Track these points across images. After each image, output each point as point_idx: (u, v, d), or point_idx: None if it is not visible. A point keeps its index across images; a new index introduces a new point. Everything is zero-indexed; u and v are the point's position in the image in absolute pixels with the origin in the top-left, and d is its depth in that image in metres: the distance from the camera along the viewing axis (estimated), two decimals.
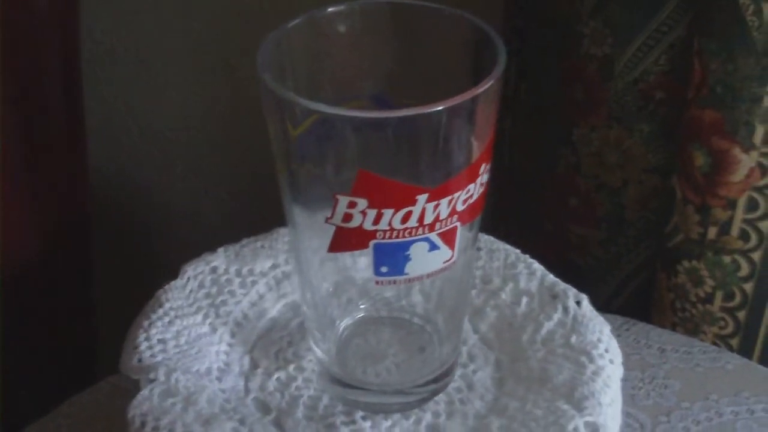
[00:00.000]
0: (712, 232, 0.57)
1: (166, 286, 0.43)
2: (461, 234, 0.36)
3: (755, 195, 0.55)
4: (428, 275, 0.37)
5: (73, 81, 0.64)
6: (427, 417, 0.40)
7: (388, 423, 0.39)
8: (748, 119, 0.53)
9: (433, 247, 0.36)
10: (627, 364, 0.51)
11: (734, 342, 0.60)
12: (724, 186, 0.55)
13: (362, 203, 0.34)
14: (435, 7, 0.37)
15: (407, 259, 0.36)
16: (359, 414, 0.40)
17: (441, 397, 0.41)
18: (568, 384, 0.41)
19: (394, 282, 0.36)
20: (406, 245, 0.35)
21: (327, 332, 0.41)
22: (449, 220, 0.35)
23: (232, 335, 0.42)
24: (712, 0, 0.52)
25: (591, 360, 0.42)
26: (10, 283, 0.60)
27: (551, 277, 0.45)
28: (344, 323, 0.41)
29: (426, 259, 0.36)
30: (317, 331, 0.40)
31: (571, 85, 0.60)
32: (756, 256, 0.57)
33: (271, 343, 0.42)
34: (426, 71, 0.37)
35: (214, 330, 0.42)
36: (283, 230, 0.46)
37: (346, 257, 0.40)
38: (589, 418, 0.39)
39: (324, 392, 0.41)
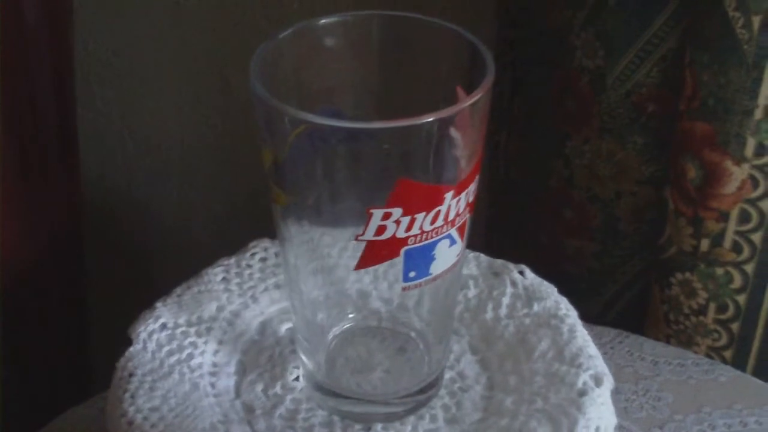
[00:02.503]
0: (704, 244, 0.57)
1: (127, 354, 0.42)
2: (468, 225, 0.38)
3: (747, 207, 0.55)
4: (446, 271, 0.37)
5: (66, 93, 0.64)
6: (440, 413, 0.41)
7: (408, 428, 0.40)
8: (739, 131, 0.53)
9: (452, 242, 0.37)
10: (620, 377, 0.52)
11: (728, 354, 0.60)
12: (717, 198, 0.55)
13: (397, 212, 0.35)
14: (425, 19, 0.38)
15: (432, 259, 0.37)
16: (379, 426, 0.40)
17: (441, 392, 0.41)
18: (554, 347, 0.42)
19: (419, 285, 0.37)
20: (433, 245, 0.36)
21: (316, 342, 0.41)
22: (464, 212, 0.37)
23: (213, 386, 0.42)
24: (703, 13, 0.53)
25: (561, 321, 0.43)
26: (2, 294, 0.60)
27: (484, 256, 0.47)
28: (333, 333, 0.42)
29: (446, 256, 0.37)
30: (306, 341, 0.40)
31: (563, 97, 0.60)
32: (749, 267, 0.57)
33: (255, 383, 0.42)
34: (415, 83, 0.38)
35: (195, 385, 0.41)
36: (212, 270, 0.46)
37: (340, 268, 0.40)
38: (590, 371, 0.41)
39: (331, 414, 0.41)
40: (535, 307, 0.44)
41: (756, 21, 0.51)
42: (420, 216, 0.35)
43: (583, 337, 0.43)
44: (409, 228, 0.35)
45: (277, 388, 0.41)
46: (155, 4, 0.76)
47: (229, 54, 0.77)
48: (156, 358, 0.42)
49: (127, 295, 0.68)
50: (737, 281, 0.57)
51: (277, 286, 0.45)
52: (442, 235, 0.36)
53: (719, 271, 0.57)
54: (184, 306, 0.44)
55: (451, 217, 0.36)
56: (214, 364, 0.42)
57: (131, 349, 0.42)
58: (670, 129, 0.57)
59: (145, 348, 0.42)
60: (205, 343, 0.43)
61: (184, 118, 0.81)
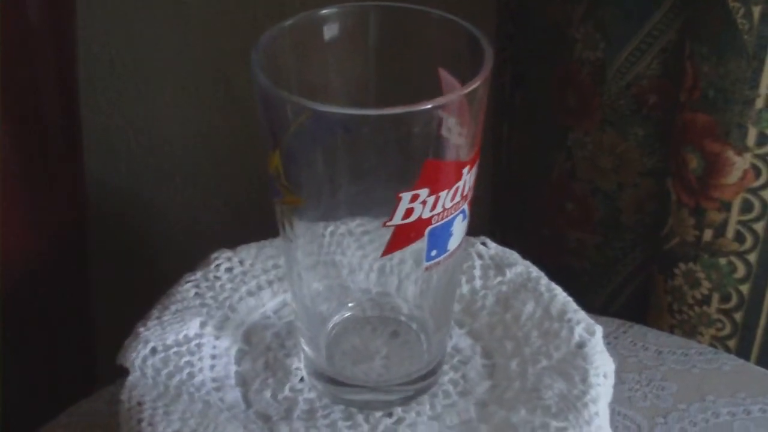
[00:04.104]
0: (707, 234, 0.57)
1: (128, 384, 0.41)
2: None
3: (749, 197, 0.55)
4: (458, 246, 0.38)
5: (70, 93, 0.64)
6: (450, 388, 0.41)
7: (426, 407, 0.41)
8: (740, 121, 0.53)
9: (464, 216, 0.38)
10: (624, 367, 0.52)
11: (731, 343, 0.60)
12: (718, 188, 0.56)
13: (424, 193, 0.35)
14: (424, 10, 0.38)
15: (450, 235, 0.37)
16: (399, 409, 0.40)
17: (444, 369, 0.42)
18: (539, 308, 0.44)
19: (438, 263, 0.38)
20: (452, 222, 0.37)
21: (316, 331, 0.41)
22: (473, 186, 0.37)
23: (222, 400, 0.41)
24: (703, 4, 0.53)
25: (537, 282, 0.45)
26: (8, 294, 0.60)
27: None
28: (333, 322, 0.42)
29: (460, 230, 0.38)
30: (307, 329, 0.41)
31: (564, 90, 0.60)
32: (751, 257, 0.57)
33: (262, 391, 0.41)
34: (414, 72, 0.38)
35: (207, 403, 0.41)
36: (183, 287, 0.45)
37: (344, 260, 0.41)
38: (582, 324, 0.43)
39: (347, 407, 0.41)
40: (508, 274, 0.45)
41: (756, 11, 0.51)
42: (443, 194, 0.36)
43: (561, 294, 0.45)
44: (433, 207, 0.36)
45: (286, 392, 0.41)
46: (157, 5, 0.76)
47: (231, 54, 0.77)
48: (158, 382, 0.41)
49: (131, 292, 0.68)
50: (740, 271, 0.57)
51: (251, 293, 0.45)
52: (458, 211, 0.37)
53: (722, 261, 0.57)
54: (168, 327, 0.43)
55: (465, 191, 0.37)
56: (214, 380, 0.42)
57: (130, 378, 0.41)
58: (671, 120, 0.57)
59: (144, 375, 0.41)
60: (200, 360, 0.42)
61: (187, 118, 0.81)
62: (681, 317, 0.60)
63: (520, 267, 0.46)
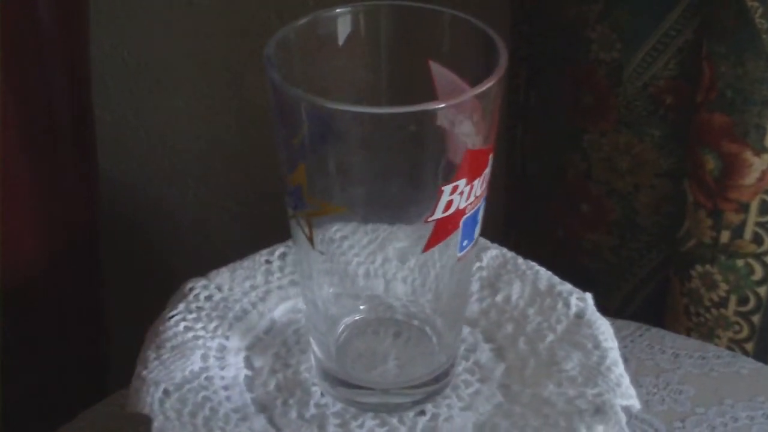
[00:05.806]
0: (724, 236, 0.57)
1: (157, 426, 0.39)
2: None
3: (767, 198, 0.55)
4: (479, 235, 0.38)
5: (82, 93, 0.64)
6: (469, 377, 0.42)
7: (454, 399, 0.40)
8: (758, 122, 0.53)
9: (485, 202, 0.37)
10: (641, 370, 0.51)
11: (749, 346, 0.59)
12: (736, 189, 0.55)
13: (462, 183, 0.35)
14: (437, 9, 0.38)
15: (476, 223, 0.37)
16: (430, 407, 0.40)
17: (458, 362, 0.42)
18: (527, 287, 0.44)
19: (467, 254, 0.38)
20: (479, 209, 0.37)
21: (327, 332, 0.41)
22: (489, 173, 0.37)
23: (252, 430, 0.40)
24: (720, 3, 0.52)
25: (515, 262, 0.46)
26: (17, 294, 0.60)
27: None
28: (344, 323, 0.41)
29: (480, 217, 0.38)
30: (318, 331, 0.40)
31: (580, 90, 0.59)
32: None
33: (287, 414, 0.40)
34: (427, 72, 0.38)
35: None
36: (169, 323, 0.44)
37: (351, 265, 0.41)
38: (575, 295, 0.44)
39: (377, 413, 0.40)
40: (485, 259, 0.46)
41: None
42: (476, 182, 0.35)
43: (542, 269, 0.45)
44: (468, 197, 0.36)
45: (312, 409, 0.40)
46: (170, 5, 0.76)
47: (243, 53, 0.77)
48: (185, 423, 0.40)
49: (141, 292, 0.68)
50: (758, 273, 0.57)
51: (238, 318, 0.44)
52: (483, 198, 0.37)
53: (740, 262, 0.57)
54: (171, 365, 0.42)
55: (488, 178, 0.37)
56: (235, 410, 0.41)
57: (155, 425, 0.40)
58: (688, 121, 0.57)
59: (167, 418, 0.40)
60: (215, 393, 0.41)
61: (199, 118, 0.81)
62: (698, 320, 0.60)
63: (494, 250, 0.46)
